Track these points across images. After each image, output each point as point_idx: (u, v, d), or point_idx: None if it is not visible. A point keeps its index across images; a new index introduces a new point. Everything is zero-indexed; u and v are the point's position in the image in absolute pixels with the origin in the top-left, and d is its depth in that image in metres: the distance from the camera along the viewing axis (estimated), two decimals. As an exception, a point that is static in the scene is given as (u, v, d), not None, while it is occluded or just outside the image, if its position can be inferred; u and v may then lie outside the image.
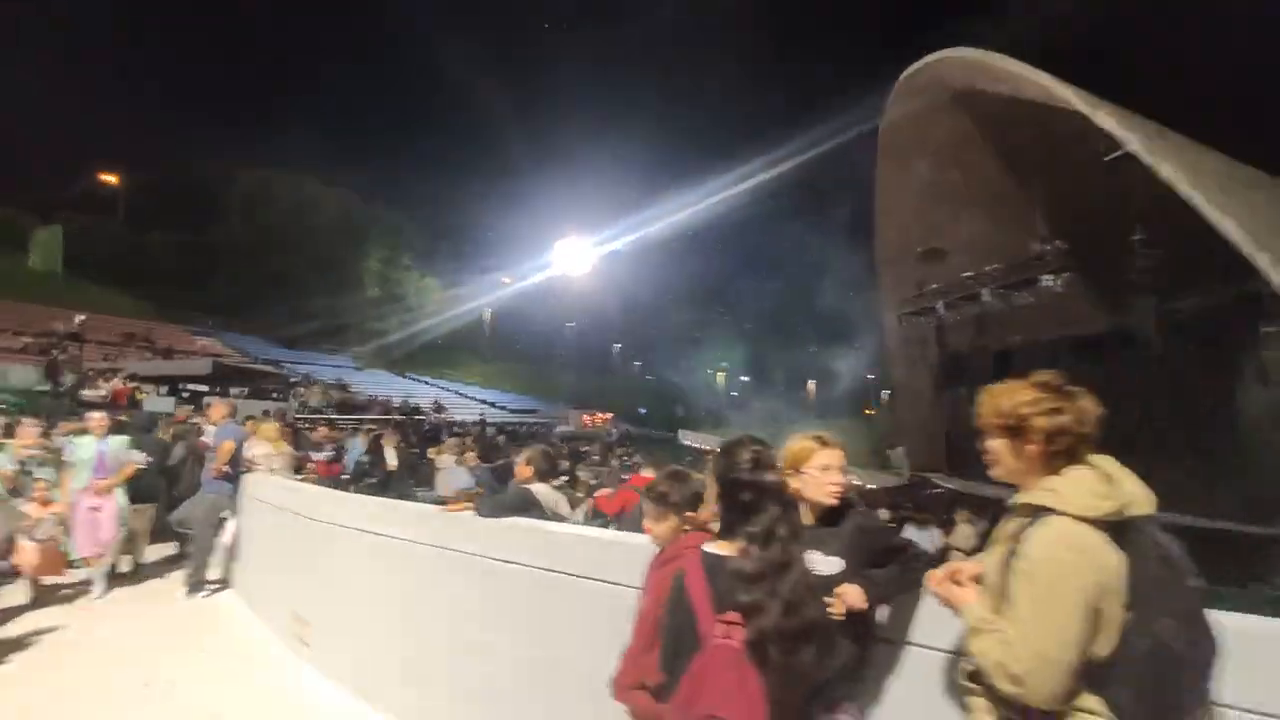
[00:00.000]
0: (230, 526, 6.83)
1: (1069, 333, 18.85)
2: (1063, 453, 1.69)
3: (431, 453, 12.35)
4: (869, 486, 26.97)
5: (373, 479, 8.49)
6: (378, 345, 47.18)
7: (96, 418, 6.82)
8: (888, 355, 29.43)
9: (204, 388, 20.99)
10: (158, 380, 20.94)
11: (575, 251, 43.79)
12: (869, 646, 2.18)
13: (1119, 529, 1.59)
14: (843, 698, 2.10)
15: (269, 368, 34.60)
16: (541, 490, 3.75)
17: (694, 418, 41.52)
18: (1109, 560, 1.57)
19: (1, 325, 27.05)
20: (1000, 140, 20.04)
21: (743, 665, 1.73)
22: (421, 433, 24.81)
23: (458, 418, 34.31)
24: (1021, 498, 1.74)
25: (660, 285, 46.90)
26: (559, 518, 3.67)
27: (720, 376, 50.11)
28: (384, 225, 49.27)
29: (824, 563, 2.12)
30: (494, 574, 3.22)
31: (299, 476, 8.34)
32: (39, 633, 5.23)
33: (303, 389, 29.74)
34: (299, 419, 22.81)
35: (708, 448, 36.40)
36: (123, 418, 8.45)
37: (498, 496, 3.79)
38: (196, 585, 6.59)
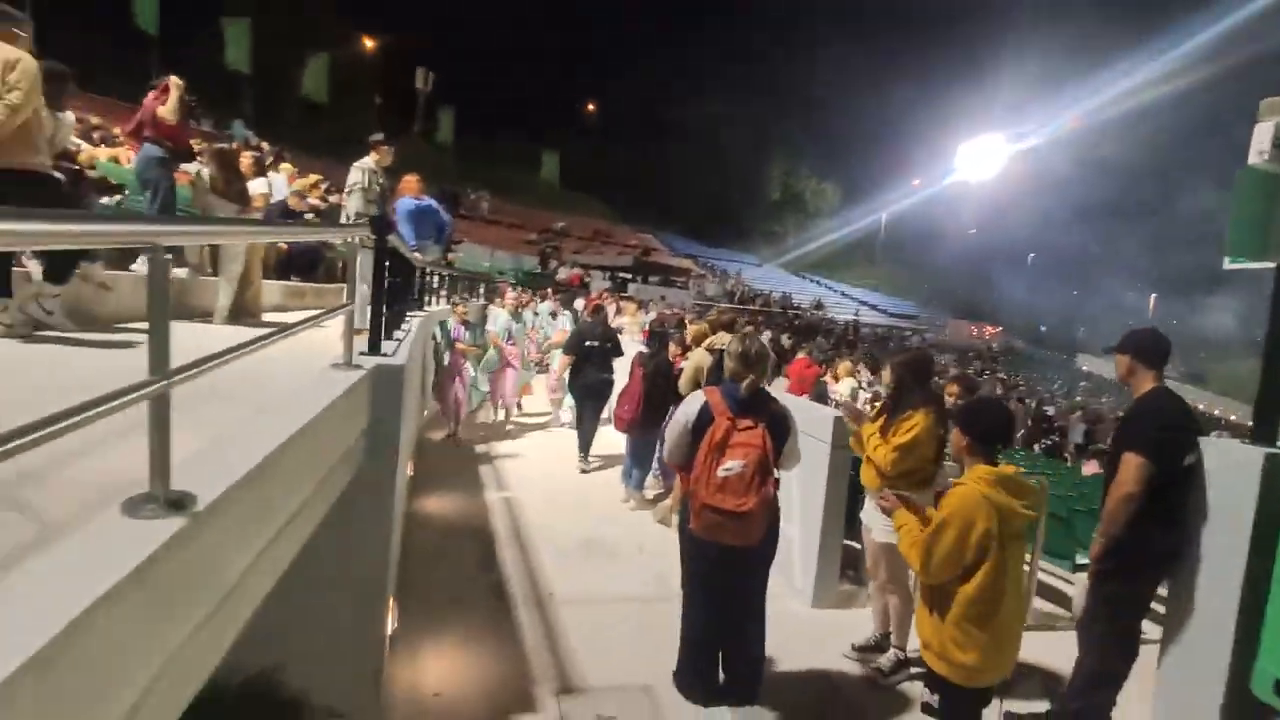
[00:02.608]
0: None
1: None
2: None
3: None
4: None
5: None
6: (778, 246, 52.02)
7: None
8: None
9: (629, 275, 28.26)
10: (600, 268, 28.81)
11: (980, 154, 40.75)
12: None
13: None
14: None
15: (686, 261, 42.28)
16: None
17: (1098, 342, 36.49)
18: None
19: (520, 224, 39.15)
20: None
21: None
22: (789, 326, 28.58)
23: (833, 316, 37.16)
24: None
25: (1081, 191, 40.39)
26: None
27: (1151, 300, 41.83)
28: (786, 136, 52.79)
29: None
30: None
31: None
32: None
33: (703, 281, 35.92)
34: (697, 305, 28.90)
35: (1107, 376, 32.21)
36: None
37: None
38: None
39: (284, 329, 1.96)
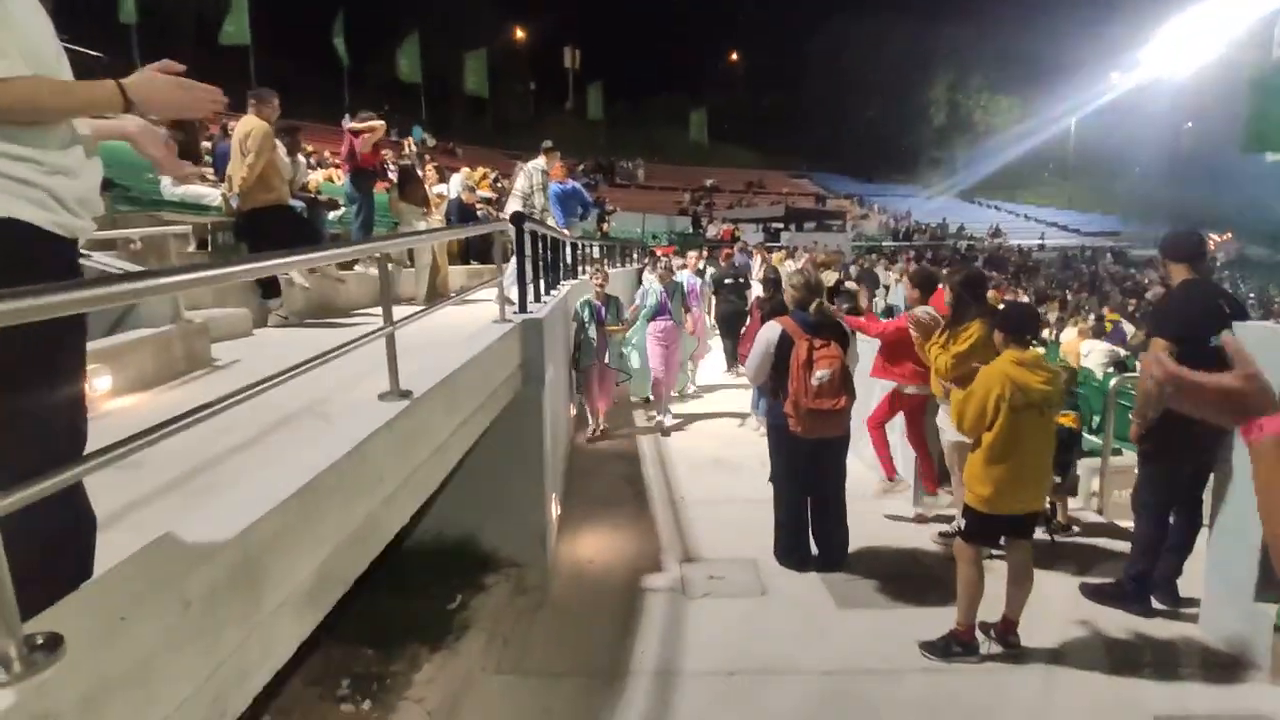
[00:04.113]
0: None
1: None
2: None
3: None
4: None
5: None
6: (948, 173, 48.16)
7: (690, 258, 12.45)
8: None
9: (780, 226, 28.12)
10: (752, 221, 28.93)
11: (1189, 33, 34.67)
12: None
13: None
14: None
15: (843, 203, 40.80)
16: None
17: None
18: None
19: (671, 185, 39.91)
20: None
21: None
22: (960, 257, 26.97)
23: (1011, 243, 34.21)
24: None
25: None
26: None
27: None
28: (949, 48, 48.16)
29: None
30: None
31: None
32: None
33: (861, 221, 34.61)
34: (856, 247, 28.21)
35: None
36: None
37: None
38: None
39: (460, 292, 3.01)
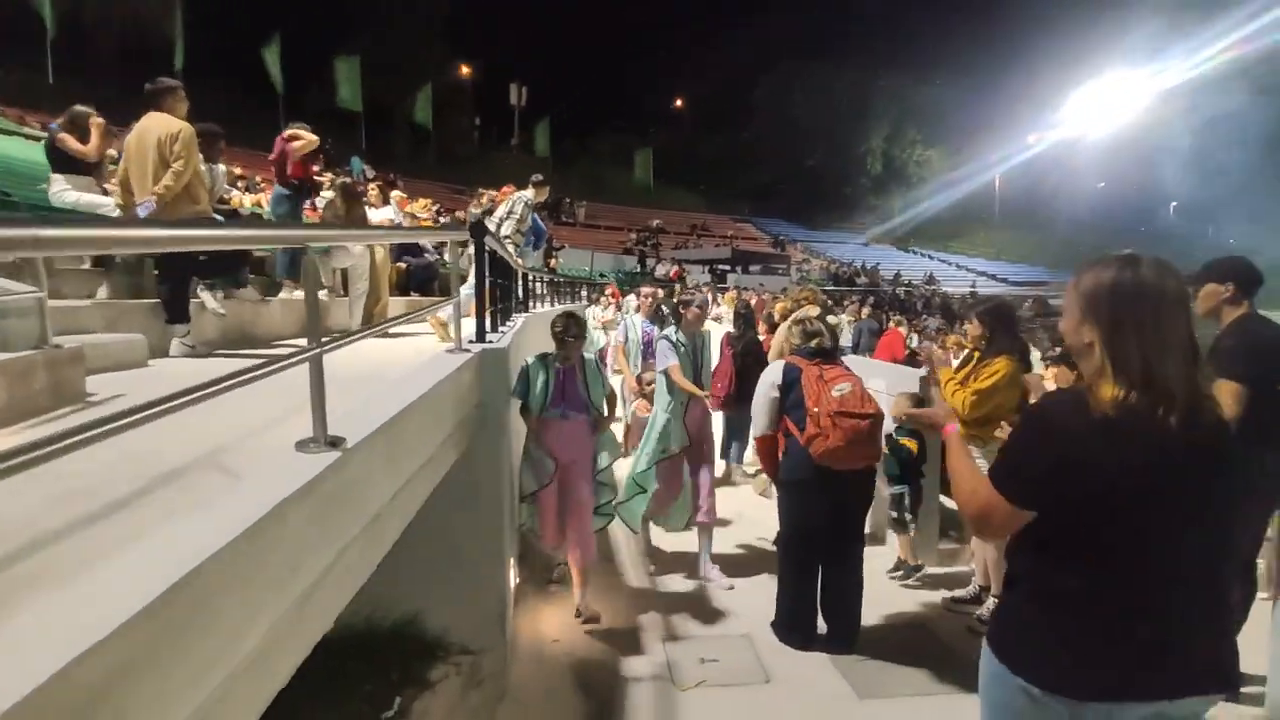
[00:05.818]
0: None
1: None
2: None
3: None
4: None
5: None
6: (883, 221, 49.98)
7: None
8: None
9: (727, 267, 28.26)
10: (698, 262, 28.97)
11: (1107, 97, 37.29)
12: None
13: None
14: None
15: (790, 249, 41.62)
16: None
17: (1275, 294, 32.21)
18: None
19: (617, 224, 39.90)
20: None
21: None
22: (897, 303, 27.57)
23: (947, 290, 35.37)
24: None
25: (1233, 129, 35.45)
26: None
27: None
28: (886, 101, 50.55)
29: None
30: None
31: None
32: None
33: (804, 266, 35.23)
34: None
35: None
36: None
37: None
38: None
39: (397, 318, 2.37)
